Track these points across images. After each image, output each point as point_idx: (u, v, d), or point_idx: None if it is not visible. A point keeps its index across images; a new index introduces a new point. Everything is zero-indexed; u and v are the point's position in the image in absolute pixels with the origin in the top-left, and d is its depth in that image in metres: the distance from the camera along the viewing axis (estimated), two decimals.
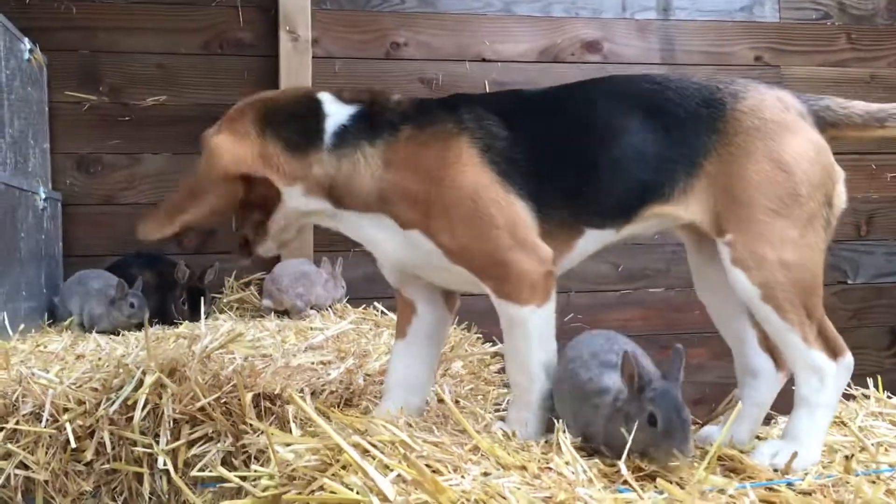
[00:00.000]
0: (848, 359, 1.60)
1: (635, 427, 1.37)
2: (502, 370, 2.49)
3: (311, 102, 1.73)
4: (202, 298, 2.91)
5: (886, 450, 1.62)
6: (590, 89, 1.75)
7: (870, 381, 2.00)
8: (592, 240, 1.71)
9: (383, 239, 1.70)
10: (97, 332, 2.68)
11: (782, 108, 1.63)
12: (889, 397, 1.96)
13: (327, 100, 1.72)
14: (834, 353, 1.58)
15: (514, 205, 1.62)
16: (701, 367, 3.60)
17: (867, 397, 1.97)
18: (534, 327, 1.63)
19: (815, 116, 1.67)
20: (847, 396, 1.99)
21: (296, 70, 3.33)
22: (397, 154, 1.66)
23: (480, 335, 2.75)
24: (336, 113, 1.70)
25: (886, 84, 3.85)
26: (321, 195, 1.69)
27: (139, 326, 2.73)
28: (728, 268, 1.59)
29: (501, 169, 1.63)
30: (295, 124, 1.69)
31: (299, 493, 1.37)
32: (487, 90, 3.51)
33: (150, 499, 1.86)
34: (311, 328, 2.71)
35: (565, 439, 1.47)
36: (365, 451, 1.37)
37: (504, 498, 1.21)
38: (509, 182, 1.62)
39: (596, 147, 1.67)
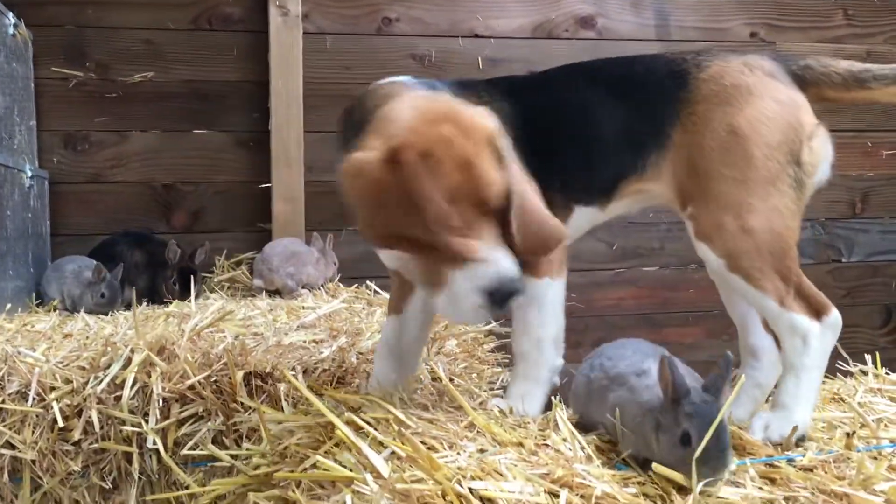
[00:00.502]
0: (833, 316, 1.56)
1: (664, 440, 1.25)
2: (496, 349, 2.47)
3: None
4: (193, 278, 2.88)
5: (886, 425, 1.60)
6: (573, 70, 1.76)
7: (868, 358, 1.99)
8: (582, 218, 1.71)
9: None
10: (85, 312, 2.64)
11: (745, 72, 1.62)
12: (887, 373, 1.94)
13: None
14: (817, 312, 1.55)
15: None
16: (694, 346, 3.58)
17: (865, 374, 1.95)
18: (549, 300, 1.63)
19: (791, 75, 1.65)
20: (845, 373, 1.98)
21: (286, 46, 3.27)
22: None
23: None
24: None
25: (883, 60, 3.77)
26: None
27: (127, 307, 2.69)
28: (694, 242, 1.59)
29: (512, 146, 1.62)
30: None
31: (291, 471, 1.34)
32: (480, 67, 3.47)
33: (139, 478, 1.84)
34: (303, 307, 2.68)
35: (563, 415, 1.45)
36: (358, 429, 1.34)
37: (500, 475, 1.19)
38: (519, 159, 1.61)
39: (577, 125, 1.68)
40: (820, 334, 1.54)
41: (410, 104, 1.45)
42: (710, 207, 1.55)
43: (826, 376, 1.92)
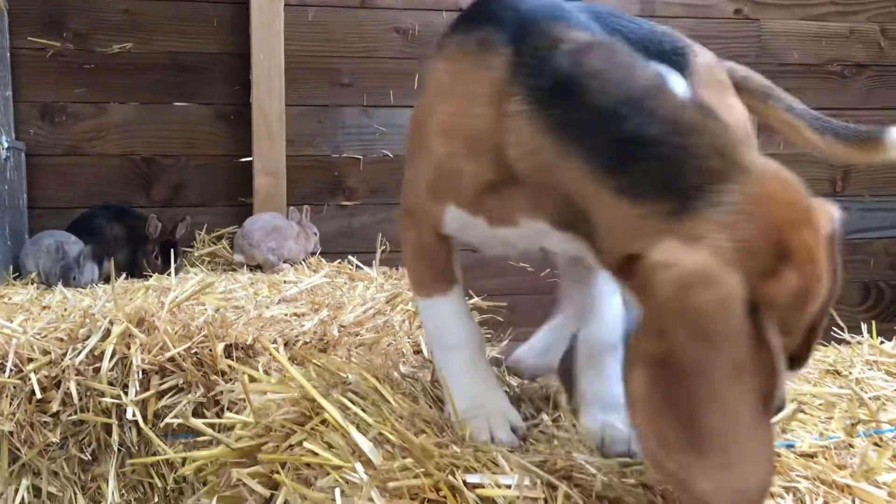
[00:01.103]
0: None
1: None
2: (479, 324, 2.45)
3: None
4: (174, 251, 2.85)
5: (885, 404, 1.56)
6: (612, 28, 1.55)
7: (864, 327, 1.99)
8: None
9: None
10: (63, 285, 2.61)
11: (719, 69, 1.61)
12: (882, 342, 1.92)
13: None
14: None
15: None
16: None
17: (860, 343, 1.94)
18: None
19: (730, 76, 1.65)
20: (839, 341, 1.97)
21: (267, 18, 3.22)
22: None
23: None
24: None
25: (865, 39, 3.82)
26: None
27: (106, 280, 2.66)
28: None
29: None
30: None
31: (276, 447, 1.31)
32: None
33: (119, 450, 1.82)
34: (285, 281, 2.65)
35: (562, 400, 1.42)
36: (345, 407, 1.30)
37: (496, 465, 1.14)
38: None
39: None
40: None
41: (765, 188, 1.01)
42: None
43: (821, 343, 1.92)
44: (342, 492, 1.10)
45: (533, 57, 1.17)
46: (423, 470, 1.10)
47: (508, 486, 1.07)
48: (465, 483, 1.07)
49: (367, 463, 1.14)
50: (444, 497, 1.06)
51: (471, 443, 1.23)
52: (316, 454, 1.19)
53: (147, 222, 2.88)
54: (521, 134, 1.15)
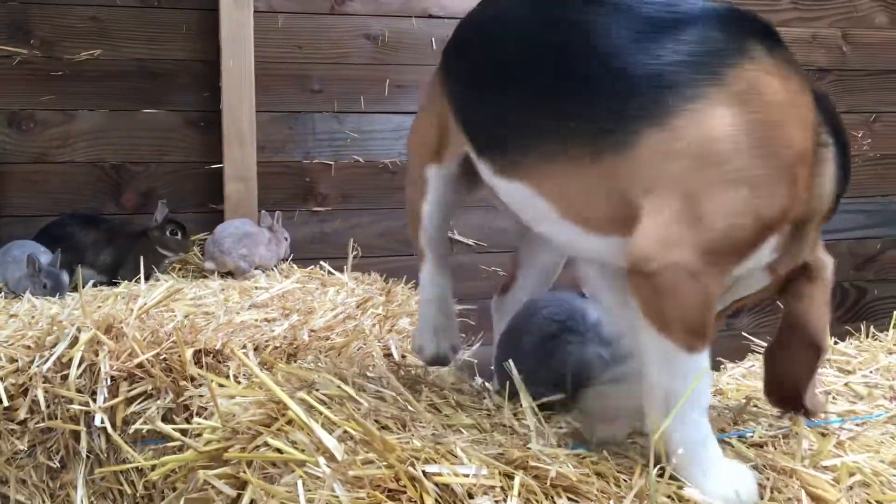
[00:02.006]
0: None
1: None
2: None
3: None
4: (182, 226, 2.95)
5: (835, 398, 1.62)
6: None
7: None
8: None
9: None
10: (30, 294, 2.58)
11: None
12: (836, 342, 1.96)
13: None
14: None
15: None
16: None
17: None
18: None
19: None
20: None
21: (236, 24, 3.22)
22: None
23: None
24: None
25: (827, 44, 3.89)
26: None
27: (75, 288, 2.64)
28: None
29: None
30: None
31: (243, 448, 1.33)
32: (434, 47, 3.45)
33: (87, 457, 1.82)
34: (256, 287, 2.66)
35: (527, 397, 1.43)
36: (311, 407, 1.32)
37: (455, 456, 1.17)
38: None
39: None
40: None
41: None
42: None
43: None
44: (305, 485, 1.12)
45: (809, 86, 1.20)
46: (385, 463, 1.12)
47: (466, 476, 1.10)
48: (424, 473, 1.10)
49: (331, 458, 1.16)
50: (405, 487, 1.08)
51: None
52: (281, 452, 1.20)
53: (156, 209, 2.95)
54: (831, 164, 1.22)
